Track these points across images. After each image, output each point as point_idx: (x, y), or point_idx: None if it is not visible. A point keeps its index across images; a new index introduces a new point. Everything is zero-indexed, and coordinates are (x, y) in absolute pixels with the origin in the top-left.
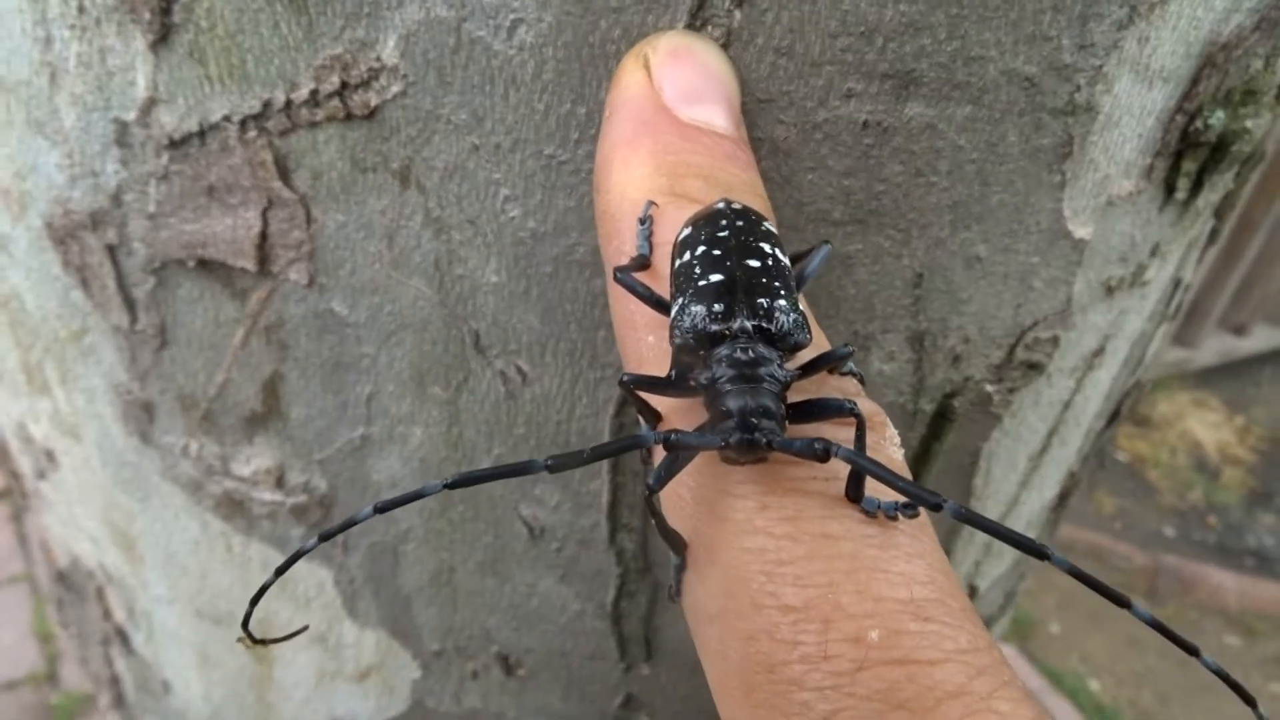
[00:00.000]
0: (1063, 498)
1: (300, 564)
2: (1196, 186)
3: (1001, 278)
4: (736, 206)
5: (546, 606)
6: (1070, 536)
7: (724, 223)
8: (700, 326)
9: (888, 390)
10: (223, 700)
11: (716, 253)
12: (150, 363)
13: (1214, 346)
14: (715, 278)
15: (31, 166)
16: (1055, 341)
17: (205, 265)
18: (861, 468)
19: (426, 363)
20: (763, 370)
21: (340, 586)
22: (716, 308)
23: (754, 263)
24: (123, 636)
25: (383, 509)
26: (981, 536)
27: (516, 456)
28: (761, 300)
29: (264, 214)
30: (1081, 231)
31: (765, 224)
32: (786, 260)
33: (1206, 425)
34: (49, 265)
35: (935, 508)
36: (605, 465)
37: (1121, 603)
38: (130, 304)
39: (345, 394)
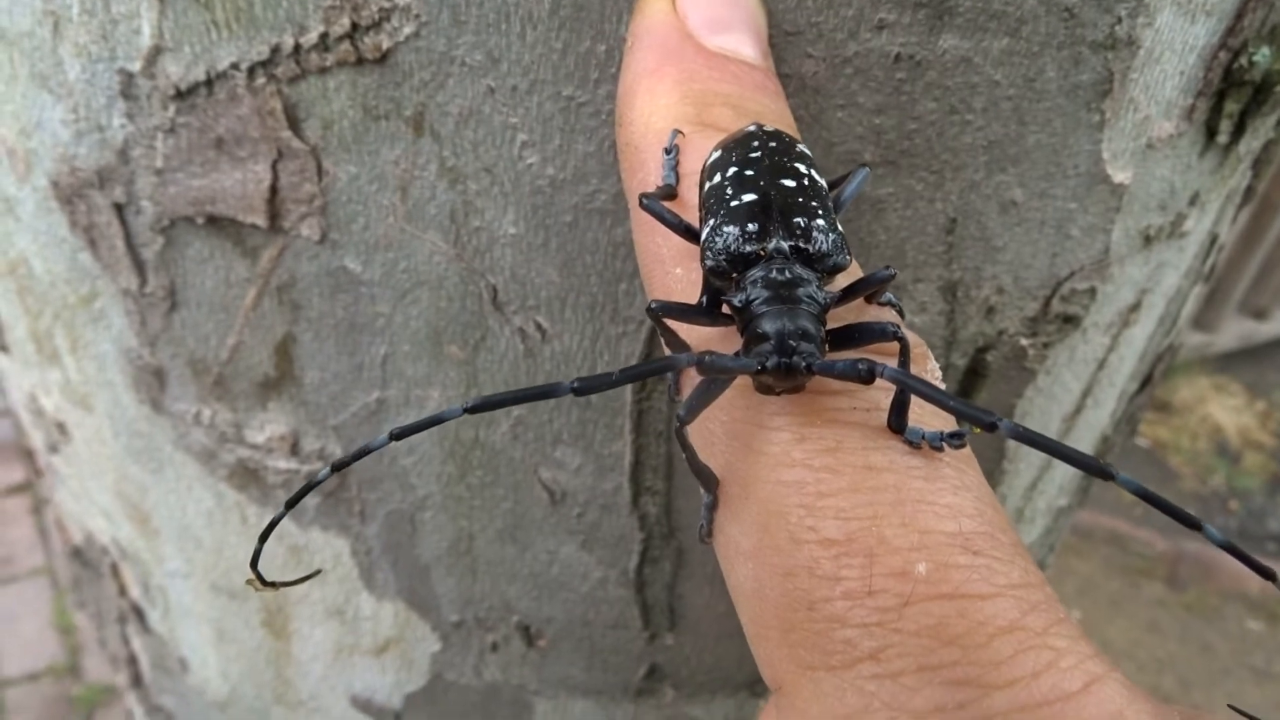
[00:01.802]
0: None
1: (317, 534)
2: (1238, 130)
3: (1038, 224)
4: (769, 129)
5: (568, 574)
6: (1091, 522)
7: (756, 144)
8: (734, 248)
9: None
10: (240, 677)
11: (749, 173)
12: (160, 326)
13: (1234, 331)
14: (748, 198)
15: (36, 123)
16: (1092, 294)
17: (215, 222)
18: (910, 387)
19: (443, 321)
20: (800, 291)
21: (357, 557)
22: (750, 228)
23: (789, 182)
24: (138, 613)
25: (399, 435)
26: (1012, 502)
27: (537, 419)
28: (798, 220)
29: (274, 166)
30: (1120, 176)
31: (800, 146)
32: (823, 181)
33: (1227, 410)
34: (56, 227)
35: (990, 427)
36: (628, 425)
37: (1192, 524)
38: (139, 265)
39: (360, 356)
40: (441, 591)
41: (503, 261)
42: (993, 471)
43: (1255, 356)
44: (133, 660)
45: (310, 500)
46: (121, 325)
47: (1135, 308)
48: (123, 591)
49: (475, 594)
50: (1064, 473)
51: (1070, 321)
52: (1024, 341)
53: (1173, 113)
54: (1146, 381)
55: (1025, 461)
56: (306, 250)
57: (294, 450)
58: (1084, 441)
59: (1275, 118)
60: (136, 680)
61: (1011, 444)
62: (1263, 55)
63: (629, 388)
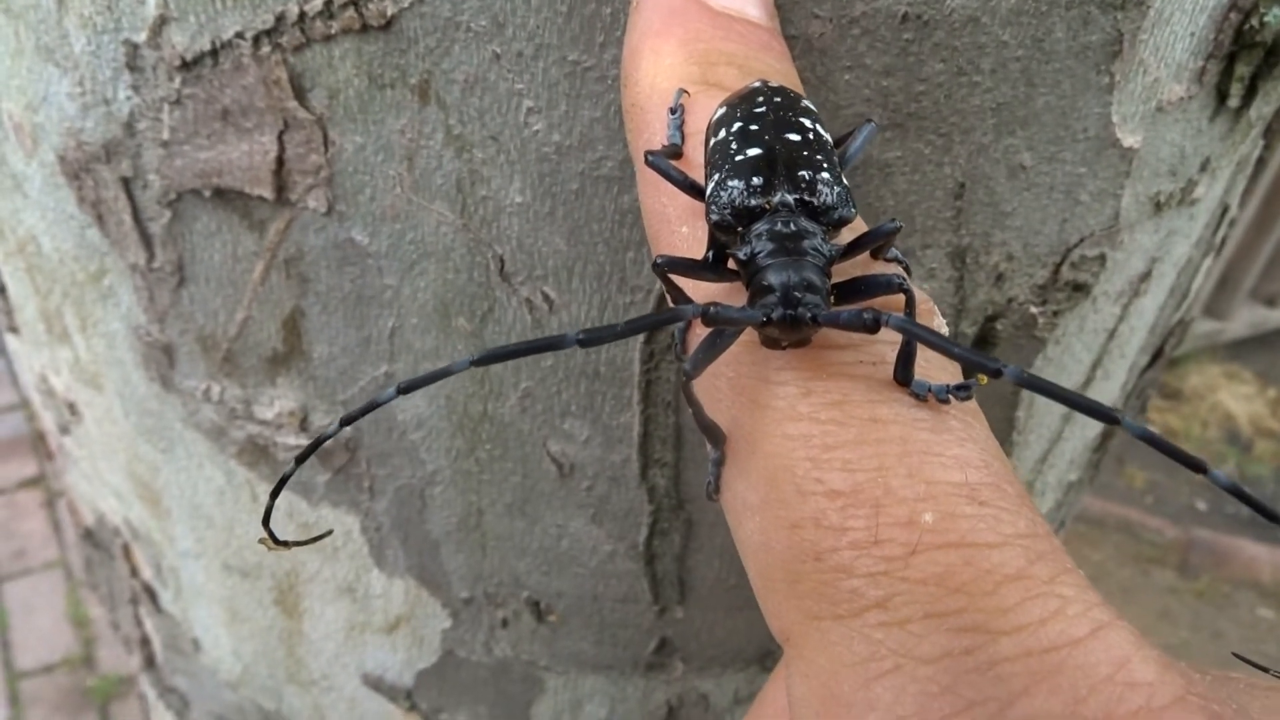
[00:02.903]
0: (1105, 436)
1: (327, 511)
2: (1249, 94)
3: (1047, 189)
4: (774, 85)
5: (577, 548)
6: (1102, 510)
7: (761, 100)
8: (739, 201)
9: None
10: (253, 657)
11: (754, 128)
12: (169, 302)
13: (1245, 318)
14: (753, 152)
15: (43, 97)
16: (1102, 261)
17: (222, 195)
18: (913, 335)
19: (450, 293)
20: (805, 244)
21: (367, 534)
22: (755, 181)
23: (794, 137)
24: (151, 594)
25: (406, 389)
26: (1023, 474)
27: (545, 390)
28: (803, 173)
29: (280, 137)
30: (1130, 140)
31: (805, 101)
32: (828, 136)
33: (1238, 398)
34: (64, 203)
35: (996, 373)
36: (636, 396)
37: (1198, 467)
38: (147, 240)
39: (368, 329)
40: (451, 568)
41: (509, 231)
42: (1003, 444)
43: (1266, 344)
44: (145, 641)
45: (320, 477)
46: (130, 302)
47: (1146, 277)
48: (135, 572)
49: (485, 570)
50: (1074, 446)
51: (1080, 289)
52: (1034, 309)
53: (1183, 75)
54: (1157, 355)
55: (1035, 434)
56: (313, 222)
57: (303, 426)
58: None
59: None
60: (149, 661)
61: (1021, 416)
62: (1274, 16)
63: (636, 359)
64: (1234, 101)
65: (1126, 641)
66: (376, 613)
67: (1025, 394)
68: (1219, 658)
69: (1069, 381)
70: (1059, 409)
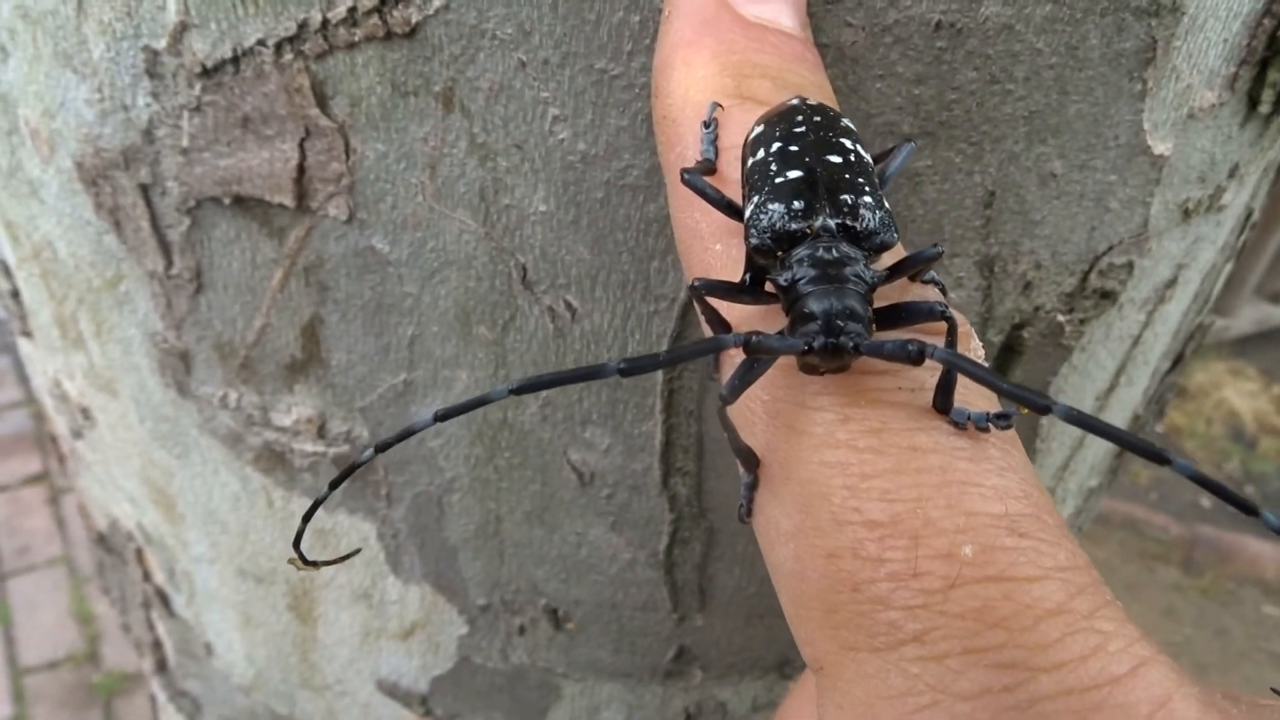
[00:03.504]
0: None
1: (343, 518)
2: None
3: (1077, 197)
4: (812, 103)
5: (596, 556)
6: (1106, 508)
7: (800, 119)
8: (779, 225)
9: None
10: (266, 662)
11: (794, 149)
12: (186, 309)
13: (1250, 315)
14: (794, 174)
15: (60, 103)
16: (1130, 268)
17: (241, 203)
18: (962, 369)
19: (472, 301)
20: (848, 270)
21: (384, 541)
22: (796, 205)
23: (835, 159)
24: (163, 598)
25: (444, 417)
26: (1045, 482)
27: (566, 399)
28: (845, 197)
29: (301, 145)
30: (1161, 147)
31: (844, 120)
32: (869, 158)
33: (1243, 395)
34: (81, 209)
35: (1044, 410)
36: (658, 405)
37: (1249, 510)
38: (165, 247)
39: (387, 337)
40: (469, 574)
41: (533, 240)
42: (1026, 451)
43: (1271, 341)
44: (157, 645)
45: None
46: (147, 308)
47: (1172, 283)
48: (147, 577)
49: (503, 577)
50: (1095, 453)
51: (1107, 297)
52: (1061, 318)
53: (1215, 82)
54: (1178, 360)
55: (1058, 441)
56: (334, 230)
57: (321, 433)
58: (1116, 420)
59: None
60: (161, 665)
61: (1044, 423)
62: None
63: None
64: (1265, 108)
65: (1168, 679)
66: (392, 619)
67: None
68: (1224, 654)
69: (1093, 388)
70: None
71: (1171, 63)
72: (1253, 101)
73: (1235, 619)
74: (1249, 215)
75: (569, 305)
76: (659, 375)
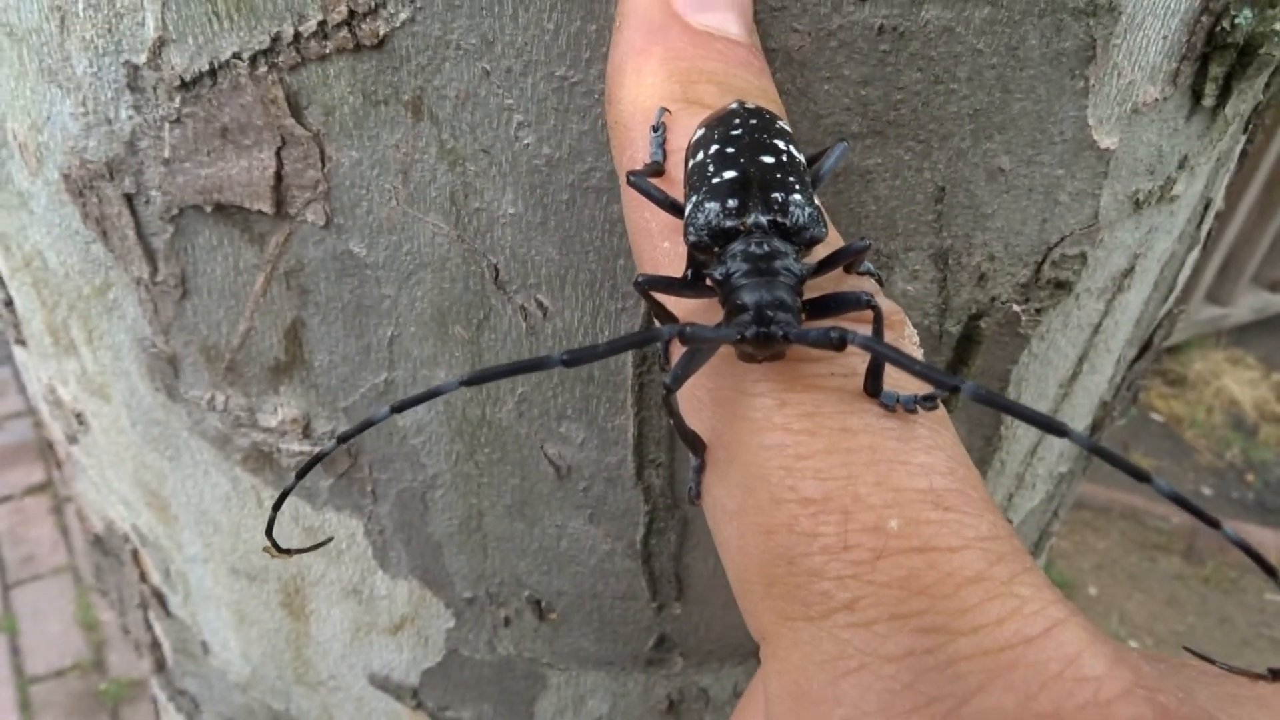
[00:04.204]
0: (1095, 429)
1: (331, 515)
2: (1224, 93)
3: (1026, 191)
4: (750, 106)
5: (576, 548)
6: (1107, 498)
7: (737, 122)
8: (714, 223)
9: (912, 312)
10: (261, 659)
11: (730, 150)
12: (173, 314)
13: (1249, 303)
14: (729, 174)
15: (46, 117)
16: (1083, 258)
17: (222, 210)
18: (877, 353)
19: (447, 301)
20: (778, 264)
21: (371, 537)
22: (731, 203)
23: (768, 159)
24: (160, 599)
25: (399, 408)
26: (1012, 467)
27: (541, 395)
28: (776, 195)
29: (278, 153)
30: (1107, 141)
31: (780, 122)
32: (801, 157)
33: (1242, 383)
34: (69, 219)
35: (954, 389)
36: (630, 399)
37: (1141, 477)
38: (150, 254)
39: (367, 338)
40: (454, 569)
41: (503, 241)
42: (991, 437)
43: (1270, 328)
44: (156, 645)
45: (323, 482)
46: (135, 315)
47: (1129, 273)
48: (144, 578)
49: (487, 570)
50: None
51: (1062, 287)
52: (1017, 308)
53: (1157, 77)
54: (1146, 348)
55: (1023, 428)
56: (312, 235)
57: (306, 433)
58: (1082, 407)
59: (1262, 80)
60: (160, 665)
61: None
62: (1244, 18)
63: (630, 363)
64: (1209, 101)
65: (1079, 638)
66: (381, 614)
67: (1012, 390)
68: (1226, 642)
69: (1056, 376)
70: (1046, 403)
71: (1112, 60)
72: (1196, 95)
73: (1238, 606)
74: (1208, 204)
75: (540, 304)
76: (629, 370)
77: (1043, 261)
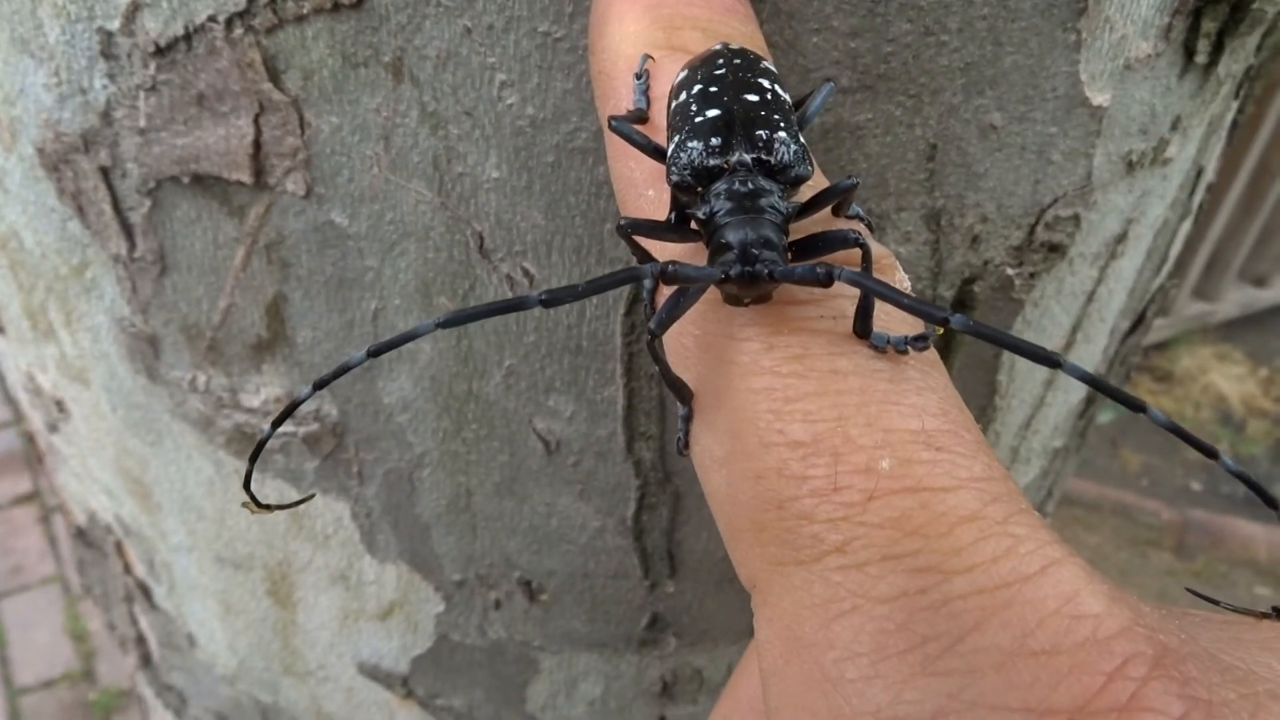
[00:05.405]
0: (1090, 402)
1: (316, 499)
2: (1217, 50)
3: (1018, 149)
4: (734, 47)
5: (566, 526)
6: (1097, 494)
7: (720, 62)
8: (698, 162)
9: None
10: (248, 650)
11: (713, 89)
12: (151, 292)
13: (1235, 299)
14: (712, 113)
15: (19, 90)
16: (1076, 220)
17: (200, 181)
18: (866, 288)
19: (431, 272)
20: (763, 202)
21: (358, 520)
22: (714, 142)
23: (753, 97)
24: (144, 591)
25: (376, 352)
26: (1006, 440)
27: (529, 367)
28: (760, 132)
29: (256, 120)
30: (1099, 98)
31: (764, 62)
32: (786, 96)
33: (1230, 378)
34: (44, 196)
35: (943, 322)
36: (619, 369)
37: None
38: (128, 230)
39: (351, 312)
40: (442, 551)
41: (487, 207)
42: (985, 409)
43: (1257, 324)
44: (141, 639)
45: (308, 464)
46: (113, 294)
47: (1122, 238)
48: (128, 569)
49: (476, 551)
50: (1058, 412)
51: (1056, 250)
52: (1010, 271)
53: (1149, 32)
54: (1139, 321)
55: (1018, 399)
56: (293, 206)
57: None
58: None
59: (1254, 38)
60: (146, 660)
61: (1003, 381)
62: None
63: (618, 332)
64: (1201, 58)
65: (1076, 577)
66: (370, 600)
67: (1006, 359)
68: None
69: (1049, 344)
70: (1040, 374)
71: (1104, 13)
72: (1189, 52)
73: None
74: (1200, 173)
75: (526, 272)
76: (618, 340)
77: (1036, 223)
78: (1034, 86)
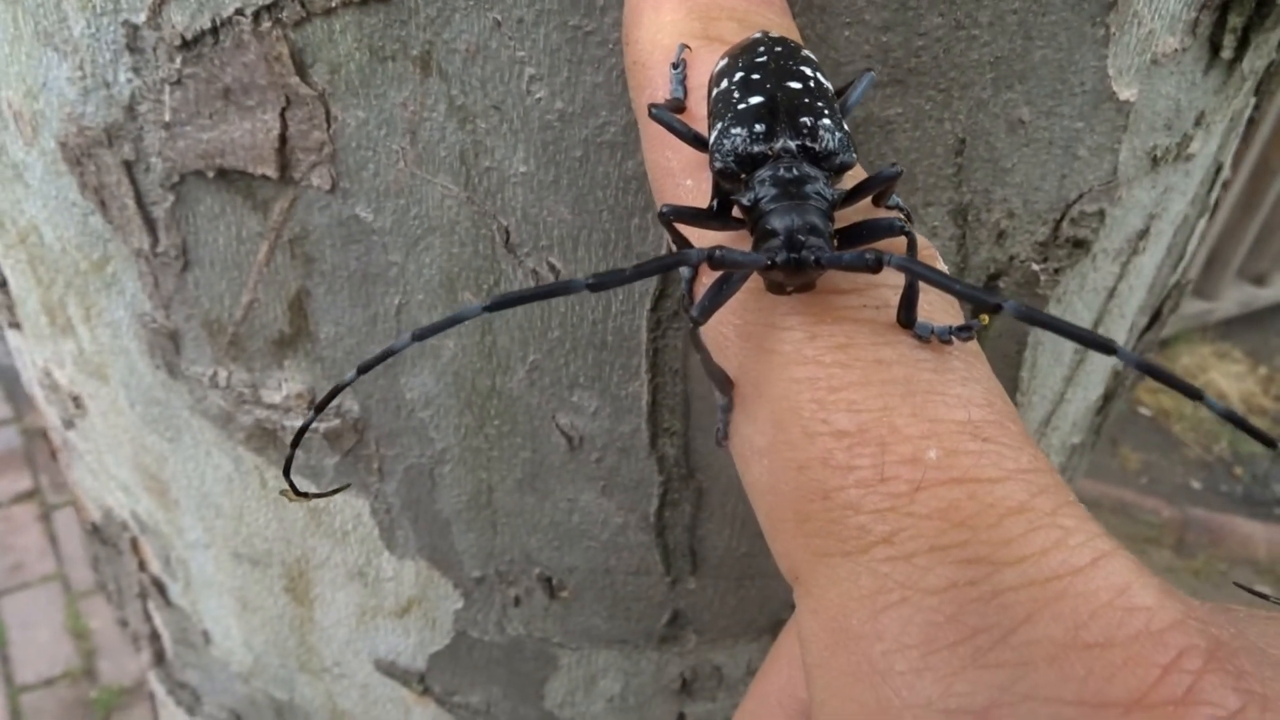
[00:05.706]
0: (1107, 398)
1: (337, 495)
2: (1242, 45)
3: (1046, 144)
4: (774, 35)
5: (588, 522)
6: (1097, 492)
7: (762, 49)
8: (742, 148)
9: None
10: (264, 647)
11: (755, 77)
12: (174, 287)
13: (1234, 297)
14: (755, 100)
15: (42, 83)
16: (1101, 216)
17: (225, 176)
18: (915, 273)
19: (456, 267)
20: (808, 188)
21: (377, 516)
22: (758, 128)
23: (795, 85)
24: (160, 587)
25: (420, 336)
26: (1033, 426)
27: (553, 362)
28: (805, 119)
29: (282, 114)
30: (1126, 93)
31: (805, 51)
32: (829, 84)
33: (1229, 377)
34: (66, 190)
35: (996, 308)
36: (644, 364)
37: (1194, 395)
38: (150, 224)
39: (374, 307)
40: (462, 547)
41: (514, 202)
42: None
43: (1256, 322)
44: (155, 637)
45: (329, 460)
46: (135, 289)
47: (1144, 234)
48: (143, 566)
49: (496, 547)
50: (1076, 408)
51: (1080, 246)
52: (1035, 267)
53: (1177, 27)
54: (1155, 317)
55: (1039, 395)
56: (318, 200)
57: (311, 408)
58: (1096, 374)
59: (1278, 35)
60: (159, 657)
61: (1025, 377)
62: None
63: (644, 327)
64: (1227, 53)
65: (1127, 569)
66: (388, 596)
67: (1029, 355)
68: None
69: (1071, 343)
70: (1061, 371)
71: (1133, 8)
72: (1214, 47)
73: (1229, 599)
74: (1219, 169)
75: (552, 267)
76: (643, 335)
77: (1061, 219)
78: (1062, 81)
